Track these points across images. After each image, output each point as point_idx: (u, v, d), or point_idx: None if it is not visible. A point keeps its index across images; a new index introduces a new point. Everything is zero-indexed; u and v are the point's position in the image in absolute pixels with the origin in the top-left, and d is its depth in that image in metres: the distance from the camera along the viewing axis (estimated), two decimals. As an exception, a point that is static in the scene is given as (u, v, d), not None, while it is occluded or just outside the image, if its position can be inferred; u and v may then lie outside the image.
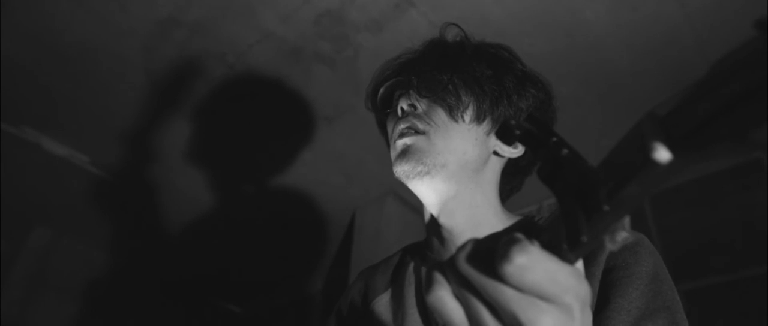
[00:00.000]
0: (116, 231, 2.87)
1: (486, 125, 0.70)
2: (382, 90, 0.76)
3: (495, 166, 0.74)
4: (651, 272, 0.59)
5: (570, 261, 0.29)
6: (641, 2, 1.47)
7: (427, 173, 0.67)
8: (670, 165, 0.24)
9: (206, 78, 1.85)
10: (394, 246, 0.86)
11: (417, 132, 0.68)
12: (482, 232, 0.69)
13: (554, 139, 0.30)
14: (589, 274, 0.59)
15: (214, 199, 2.56)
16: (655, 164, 0.24)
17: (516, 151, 0.72)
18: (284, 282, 3.28)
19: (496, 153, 0.72)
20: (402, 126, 0.69)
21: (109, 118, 2.05)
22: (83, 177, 2.41)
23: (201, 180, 2.45)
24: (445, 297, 0.32)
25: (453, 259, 0.32)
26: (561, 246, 0.29)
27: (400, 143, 0.68)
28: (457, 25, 0.75)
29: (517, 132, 0.32)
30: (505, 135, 0.32)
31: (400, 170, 0.68)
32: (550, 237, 0.30)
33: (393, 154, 0.70)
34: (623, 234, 0.28)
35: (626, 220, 0.28)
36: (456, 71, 0.69)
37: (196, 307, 3.46)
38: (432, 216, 0.73)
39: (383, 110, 0.77)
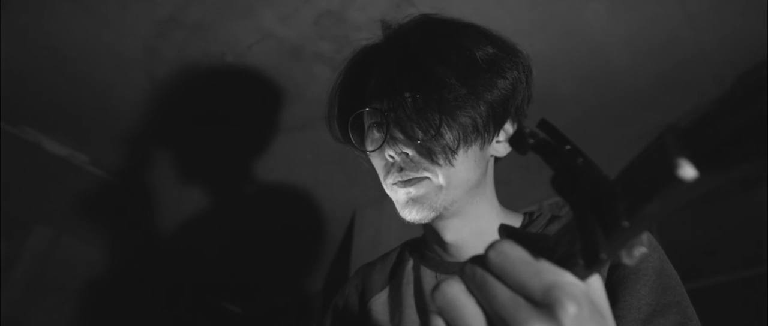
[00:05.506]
0: (116, 231, 2.87)
1: (478, 141, 0.65)
2: (351, 125, 0.70)
3: (491, 167, 0.73)
4: (657, 268, 0.58)
5: (583, 276, 0.28)
6: (641, 2, 1.47)
7: (440, 215, 0.65)
8: (696, 182, 0.22)
9: (206, 78, 1.85)
10: (394, 246, 0.86)
11: (418, 179, 0.63)
12: (486, 238, 0.69)
13: (568, 147, 0.29)
14: None
15: (214, 199, 2.56)
16: (680, 181, 0.22)
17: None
18: (284, 282, 3.27)
19: (492, 156, 0.71)
20: (400, 178, 0.64)
21: (109, 118, 2.05)
22: (83, 177, 2.41)
23: (201, 180, 2.45)
24: (460, 297, 0.31)
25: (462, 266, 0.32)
26: (576, 262, 0.28)
27: (404, 192, 0.64)
28: (392, 25, 0.70)
29: (531, 141, 0.30)
30: (519, 145, 0.31)
31: (412, 218, 0.65)
32: (565, 251, 0.29)
33: (395, 198, 0.66)
34: (641, 250, 0.27)
35: (644, 235, 0.27)
36: (440, 109, 0.61)
37: (196, 307, 3.46)
38: (435, 232, 0.71)
39: (361, 147, 0.71)
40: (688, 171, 0.22)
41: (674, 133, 0.24)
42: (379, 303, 0.74)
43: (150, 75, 1.85)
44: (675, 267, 0.61)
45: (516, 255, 0.29)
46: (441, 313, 0.31)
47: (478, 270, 0.31)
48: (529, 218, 0.73)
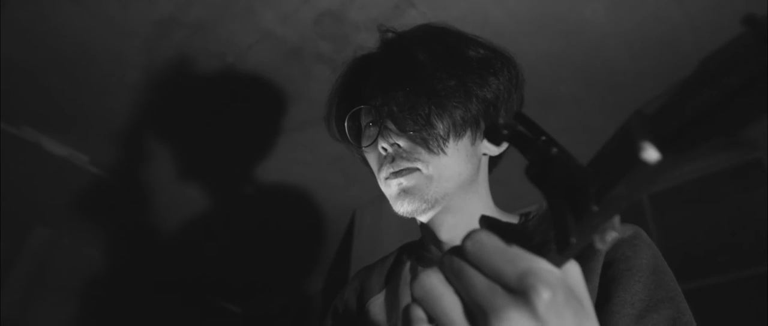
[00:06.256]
0: (116, 231, 2.87)
1: (468, 135, 0.67)
2: (348, 123, 0.72)
3: (485, 166, 0.74)
4: (651, 264, 0.59)
5: (558, 263, 0.29)
6: (641, 2, 1.47)
7: (431, 207, 0.66)
8: (659, 164, 0.23)
9: (206, 78, 1.85)
10: (394, 246, 0.86)
11: (410, 169, 0.65)
12: None
13: (543, 138, 0.29)
14: (588, 269, 0.59)
15: (214, 199, 2.56)
16: (644, 164, 0.23)
17: (504, 146, 0.71)
18: (284, 282, 3.28)
19: (484, 154, 0.72)
20: (392, 169, 0.65)
21: (109, 118, 2.05)
22: (83, 177, 2.41)
23: (201, 181, 2.45)
24: (437, 286, 0.31)
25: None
26: (551, 248, 0.28)
27: (396, 183, 0.65)
28: (390, 30, 0.72)
29: (505, 132, 0.30)
30: (493, 135, 0.31)
31: (404, 210, 0.66)
32: (540, 239, 0.29)
33: (388, 192, 0.68)
34: (613, 234, 0.27)
35: (616, 220, 0.27)
36: (429, 99, 0.63)
37: (196, 307, 3.46)
38: (430, 231, 0.72)
39: (357, 145, 0.73)
40: (651, 153, 0.23)
41: (639, 117, 0.25)
42: (377, 305, 0.75)
43: (150, 75, 1.85)
44: (675, 267, 0.61)
45: (491, 243, 0.30)
46: (420, 303, 0.31)
47: (455, 260, 0.31)
48: (526, 219, 0.73)
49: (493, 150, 0.71)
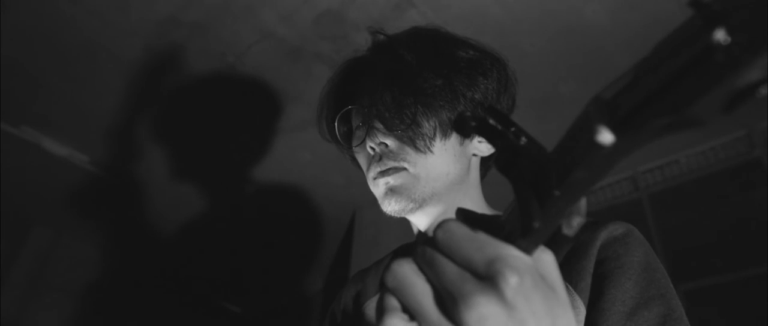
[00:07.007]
0: (116, 230, 2.87)
1: (456, 135, 0.67)
2: (338, 124, 0.73)
3: (475, 167, 0.74)
4: (643, 261, 0.59)
5: (526, 249, 0.29)
6: (641, 2, 1.47)
7: (419, 207, 0.66)
8: (615, 147, 0.24)
9: (206, 78, 1.85)
10: (393, 247, 0.86)
11: (396, 168, 0.65)
12: None
13: (513, 129, 0.30)
14: (580, 268, 0.60)
15: (214, 199, 2.56)
16: (600, 147, 0.24)
17: (491, 147, 0.71)
18: (284, 282, 3.28)
19: (474, 154, 0.72)
20: (380, 168, 0.66)
21: (109, 118, 2.05)
22: (83, 177, 2.41)
23: (200, 181, 2.45)
24: (409, 275, 0.31)
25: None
26: (519, 235, 0.29)
27: (383, 182, 0.66)
28: (381, 32, 0.72)
29: (473, 124, 0.31)
30: (461, 127, 0.31)
31: (391, 209, 0.66)
32: (510, 227, 0.30)
33: (376, 192, 0.69)
34: (578, 219, 0.28)
35: (582, 204, 0.28)
36: (416, 99, 0.64)
37: (196, 307, 3.46)
38: (422, 232, 0.72)
39: (347, 145, 0.74)
40: (605, 136, 0.24)
41: (596, 102, 0.25)
42: (372, 307, 0.75)
43: (150, 75, 1.85)
44: (675, 267, 0.62)
45: (461, 232, 0.30)
46: (393, 292, 0.32)
47: (427, 249, 0.32)
48: None
49: (483, 150, 0.71)
